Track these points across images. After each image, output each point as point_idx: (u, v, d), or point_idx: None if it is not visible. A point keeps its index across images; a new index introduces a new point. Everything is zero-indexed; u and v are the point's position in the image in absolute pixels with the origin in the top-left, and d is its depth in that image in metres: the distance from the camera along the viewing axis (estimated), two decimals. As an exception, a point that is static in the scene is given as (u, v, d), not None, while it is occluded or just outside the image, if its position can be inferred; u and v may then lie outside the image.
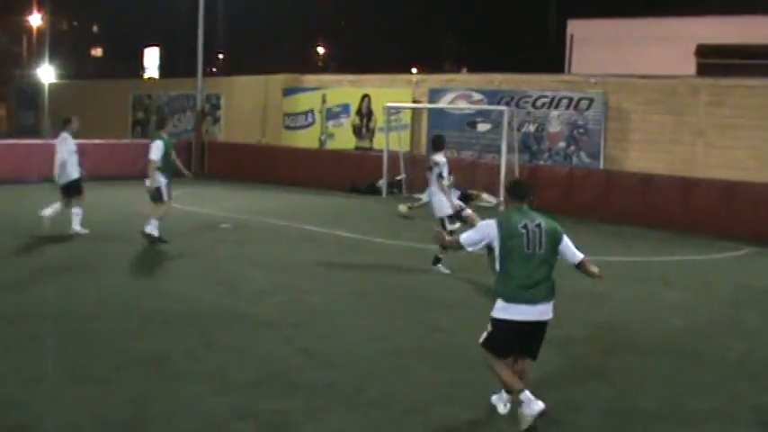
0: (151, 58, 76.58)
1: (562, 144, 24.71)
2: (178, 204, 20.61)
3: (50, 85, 46.31)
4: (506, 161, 23.18)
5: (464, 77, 31.73)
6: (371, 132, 28.88)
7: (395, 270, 13.96)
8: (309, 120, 30.55)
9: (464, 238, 7.47)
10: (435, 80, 29.19)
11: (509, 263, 7.10)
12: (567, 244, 7.35)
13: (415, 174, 23.88)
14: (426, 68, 52.72)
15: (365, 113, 28.93)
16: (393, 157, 25.44)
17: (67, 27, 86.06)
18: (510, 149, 23.53)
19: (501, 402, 7.45)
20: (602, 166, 23.96)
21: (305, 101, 30.79)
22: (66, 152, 15.71)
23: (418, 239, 16.29)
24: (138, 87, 41.81)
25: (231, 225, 17.95)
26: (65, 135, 15.96)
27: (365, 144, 28.99)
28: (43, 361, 8.41)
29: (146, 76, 71.41)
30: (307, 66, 67.11)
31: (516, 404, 7.12)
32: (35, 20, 58.00)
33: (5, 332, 9.43)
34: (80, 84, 50.60)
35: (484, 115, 26.08)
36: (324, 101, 30.11)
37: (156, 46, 75.91)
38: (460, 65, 63.43)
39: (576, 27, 33.46)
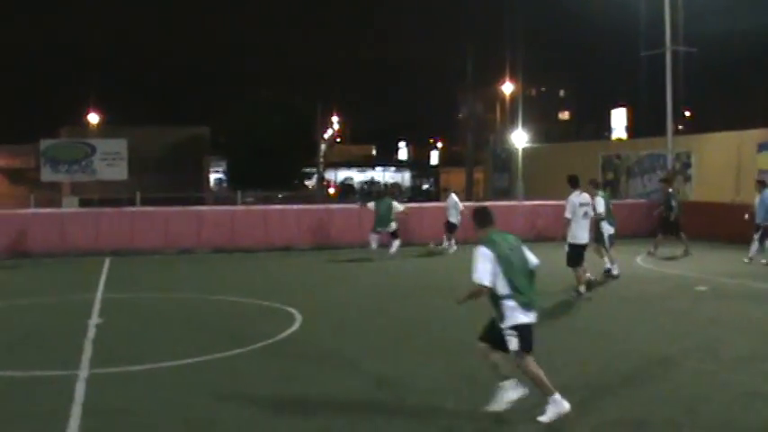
0: (618, 119, 77.22)
1: None
2: (649, 264, 20.32)
3: (523, 149, 48.02)
4: None
5: None
6: None
7: None
8: (788, 176, 28.79)
9: (479, 274, 7.97)
10: None
11: (512, 277, 7.99)
12: (526, 249, 8.38)
13: None
14: None
15: None
16: None
17: (536, 93, 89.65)
18: None
19: (512, 390, 8.23)
20: None
21: (782, 155, 29.12)
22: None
23: None
24: (606, 148, 42.17)
25: (707, 287, 17.22)
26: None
27: None
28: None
29: (612, 136, 72.07)
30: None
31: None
32: (507, 88, 60.71)
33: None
34: (549, 147, 52.20)
35: None
36: (806, 154, 28.27)
37: (623, 106, 76.43)
38: None
39: None
